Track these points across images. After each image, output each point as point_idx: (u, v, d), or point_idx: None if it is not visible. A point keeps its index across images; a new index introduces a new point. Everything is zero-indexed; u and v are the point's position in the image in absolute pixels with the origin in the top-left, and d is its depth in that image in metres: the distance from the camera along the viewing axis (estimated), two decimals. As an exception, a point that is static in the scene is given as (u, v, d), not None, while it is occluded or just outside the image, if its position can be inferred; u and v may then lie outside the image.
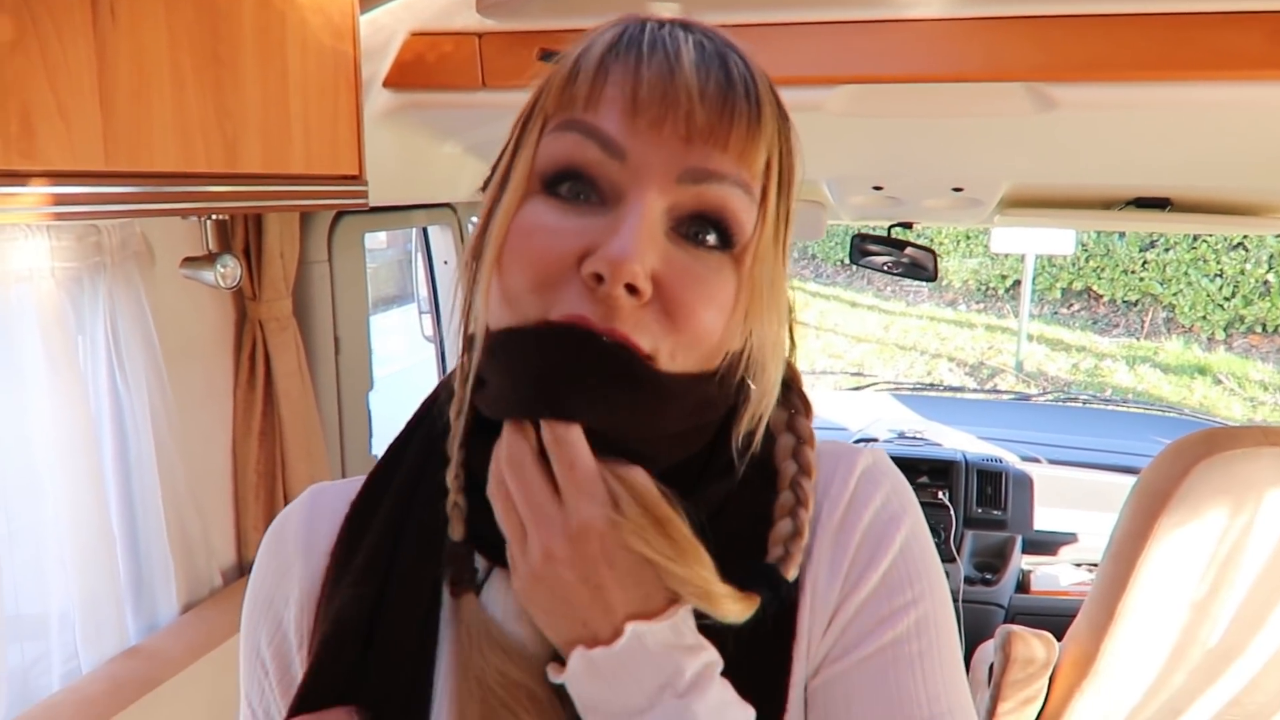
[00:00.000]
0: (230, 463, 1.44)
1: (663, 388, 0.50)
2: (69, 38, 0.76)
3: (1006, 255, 9.20)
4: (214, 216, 1.18)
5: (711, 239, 0.51)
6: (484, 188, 0.58)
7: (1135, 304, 8.87)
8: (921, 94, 1.14)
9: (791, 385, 0.61)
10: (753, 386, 0.55)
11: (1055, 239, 4.64)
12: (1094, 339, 8.76)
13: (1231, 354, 8.12)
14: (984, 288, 9.80)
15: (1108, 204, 1.99)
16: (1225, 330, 8.27)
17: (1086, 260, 9.01)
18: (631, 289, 0.48)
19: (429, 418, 0.61)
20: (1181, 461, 1.18)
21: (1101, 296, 9.06)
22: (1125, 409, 3.70)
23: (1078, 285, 9.18)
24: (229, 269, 1.15)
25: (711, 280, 0.50)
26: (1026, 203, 1.95)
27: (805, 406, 0.61)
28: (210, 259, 1.15)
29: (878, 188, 1.78)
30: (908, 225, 2.29)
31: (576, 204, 0.50)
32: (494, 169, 0.57)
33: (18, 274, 1.03)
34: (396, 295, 7.62)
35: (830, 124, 1.25)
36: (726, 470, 0.56)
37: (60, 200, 0.78)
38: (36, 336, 1.06)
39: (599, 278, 0.47)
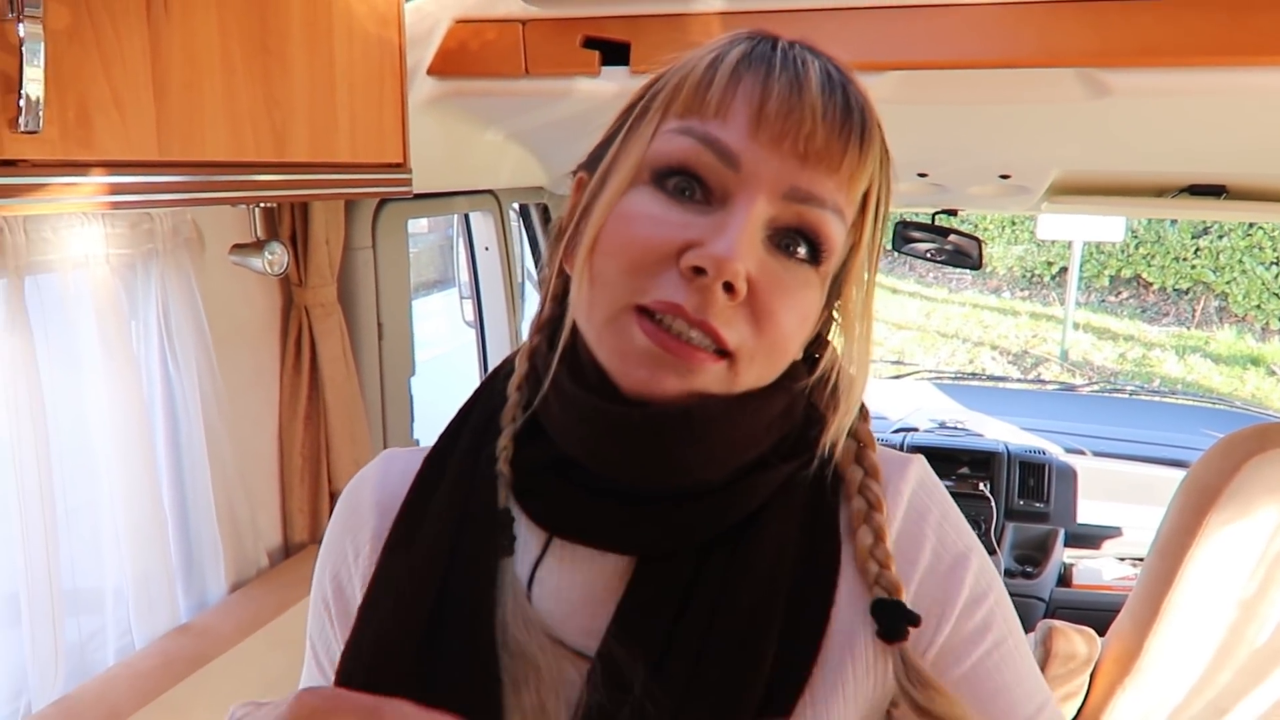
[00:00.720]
0: (276, 446, 1.47)
1: (734, 440, 0.54)
2: (124, 29, 0.78)
3: (1053, 242, 9.03)
4: (262, 204, 1.20)
5: (802, 252, 0.53)
6: (579, 170, 0.59)
7: (1186, 292, 8.67)
8: (970, 80, 1.12)
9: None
10: (840, 401, 0.57)
11: (1104, 225, 4.56)
12: (1143, 328, 8.58)
13: (1286, 344, 7.92)
14: (1029, 274, 9.63)
15: (1160, 191, 1.94)
16: (1280, 320, 8.06)
17: (1136, 247, 8.82)
18: (729, 287, 0.49)
19: (492, 389, 0.63)
20: (1233, 457, 1.16)
21: (1151, 284, 8.87)
22: (1174, 400, 3.62)
23: (1126, 273, 8.99)
24: (276, 256, 1.17)
25: (798, 291, 0.53)
26: (1076, 190, 1.91)
27: (863, 411, 0.61)
28: (258, 246, 1.17)
29: (922, 174, 1.76)
30: (952, 212, 2.26)
31: (681, 199, 0.52)
32: (595, 153, 0.59)
33: (74, 260, 1.05)
34: (437, 280, 7.68)
35: (878, 108, 1.24)
36: (778, 462, 0.57)
37: (116, 189, 0.79)
38: (92, 321, 1.09)
39: (699, 270, 0.49)
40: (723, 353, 0.51)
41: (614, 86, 1.20)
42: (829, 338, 0.61)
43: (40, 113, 0.70)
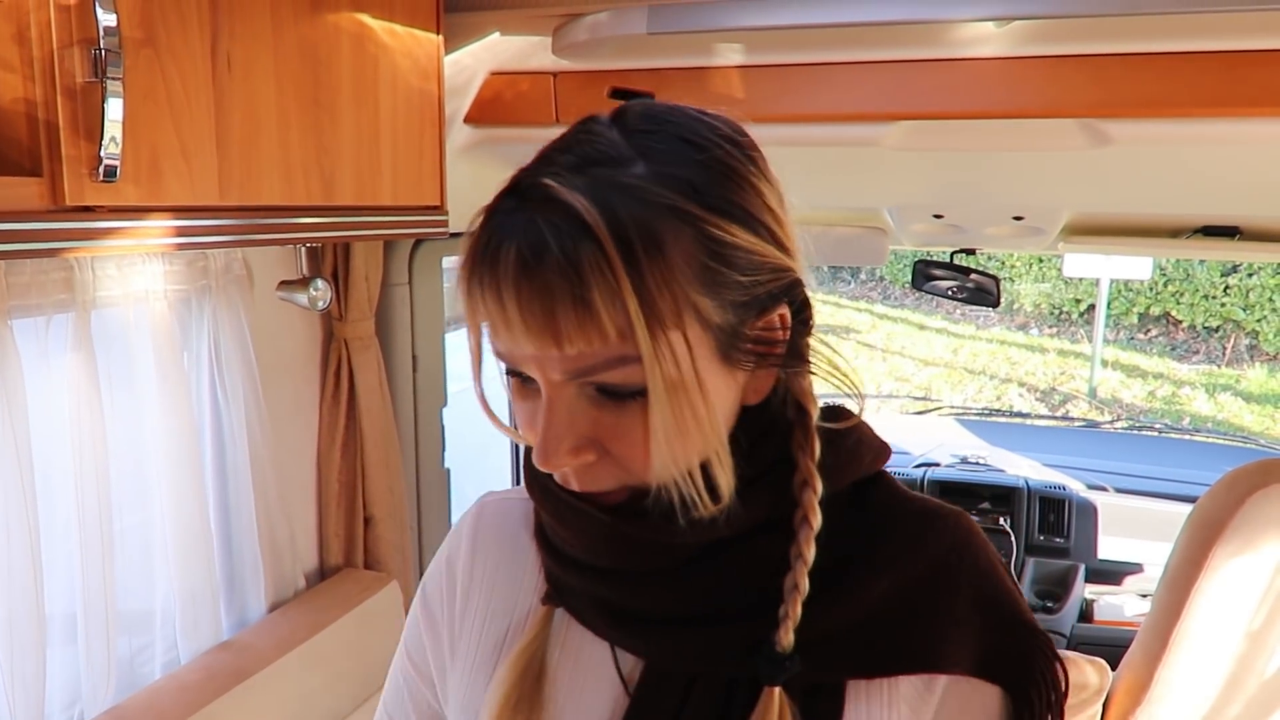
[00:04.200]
0: (315, 473, 1.54)
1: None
2: (192, 87, 0.85)
3: (1080, 279, 9.01)
4: (310, 245, 1.27)
5: (620, 394, 0.54)
6: None
7: (1216, 330, 8.60)
8: (977, 129, 1.18)
9: (805, 422, 0.61)
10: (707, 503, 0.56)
11: (1131, 263, 4.56)
12: (1172, 366, 8.51)
13: (1319, 383, 7.82)
14: (1057, 311, 9.59)
15: (1175, 231, 1.98)
16: (1313, 359, 7.97)
17: (1165, 285, 8.77)
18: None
19: None
20: (1236, 491, 1.19)
21: (1181, 322, 8.80)
22: (1201, 439, 3.61)
23: (1155, 310, 8.93)
24: (320, 292, 1.25)
25: (632, 424, 0.54)
26: (1091, 230, 1.95)
27: (810, 448, 0.60)
28: (304, 283, 1.25)
29: (938, 216, 1.81)
30: (971, 251, 2.30)
31: (527, 384, 0.56)
32: None
33: (135, 295, 1.13)
34: (467, 313, 7.79)
35: (890, 154, 1.30)
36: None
37: (181, 233, 0.87)
38: (149, 352, 1.16)
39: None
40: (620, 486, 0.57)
41: (639, 134, 1.27)
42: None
43: (118, 164, 0.78)
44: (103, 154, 0.77)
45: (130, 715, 1.13)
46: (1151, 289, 8.85)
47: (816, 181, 1.69)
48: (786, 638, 0.56)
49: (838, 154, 1.40)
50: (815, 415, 0.61)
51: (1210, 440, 3.57)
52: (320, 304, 1.25)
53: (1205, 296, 8.52)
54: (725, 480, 0.56)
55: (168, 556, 1.22)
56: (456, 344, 1.93)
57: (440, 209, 1.19)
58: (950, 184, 1.55)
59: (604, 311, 0.50)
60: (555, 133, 1.38)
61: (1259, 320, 8.23)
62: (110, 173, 0.77)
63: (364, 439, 1.54)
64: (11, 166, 0.75)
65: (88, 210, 0.78)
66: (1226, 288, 8.34)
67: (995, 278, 2.30)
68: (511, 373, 0.57)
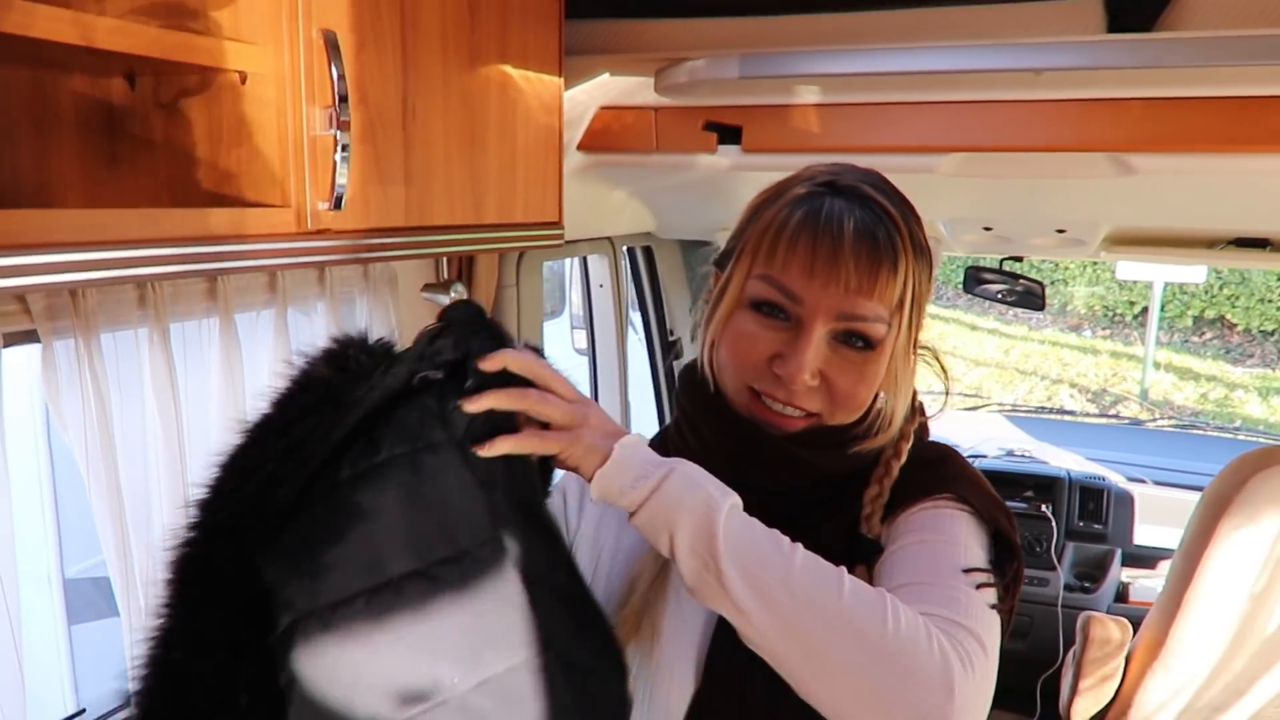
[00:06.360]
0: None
1: (814, 465, 0.87)
2: (390, 132, 1.08)
3: (1135, 281, 9.02)
4: (463, 255, 1.51)
5: (860, 344, 0.84)
6: (714, 264, 0.90)
7: (1272, 334, 8.57)
8: (1019, 160, 1.38)
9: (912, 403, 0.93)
10: (883, 429, 0.89)
11: (1184, 267, 4.64)
12: (1226, 369, 8.50)
13: (1378, 388, 7.76)
14: (1110, 313, 9.61)
15: (1210, 242, 2.14)
16: (1372, 364, 7.91)
17: (1220, 288, 8.76)
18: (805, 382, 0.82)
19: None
20: (1241, 473, 1.38)
21: (1236, 325, 8.78)
22: (1244, 437, 3.72)
23: (1210, 313, 8.92)
24: (460, 294, 1.48)
25: (858, 370, 0.84)
26: (1129, 241, 2.12)
27: (914, 414, 0.93)
28: (445, 285, 1.49)
29: (988, 228, 2.00)
30: (1019, 258, 2.48)
31: (771, 318, 0.84)
32: (721, 258, 0.91)
33: (315, 295, 1.38)
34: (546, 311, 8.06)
35: (944, 177, 1.50)
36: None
37: (381, 248, 1.11)
38: (324, 341, 1.41)
39: (781, 376, 0.82)
40: (809, 413, 0.84)
41: (727, 161, 1.49)
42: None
43: (343, 195, 1.01)
44: (336, 190, 1.00)
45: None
46: (1207, 292, 8.84)
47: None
48: (877, 528, 0.86)
49: (898, 175, 1.61)
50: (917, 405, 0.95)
51: (1256, 440, 3.68)
52: (458, 303, 1.48)
53: (1261, 300, 8.50)
54: (898, 418, 0.89)
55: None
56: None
57: (558, 224, 1.42)
58: (998, 201, 1.75)
59: (898, 282, 0.82)
60: (654, 158, 1.62)
61: (1317, 324, 8.19)
62: (338, 203, 1.01)
63: (479, 419, 1.77)
64: (270, 200, 0.99)
65: (321, 232, 1.02)
66: (1283, 291, 8.32)
67: (1040, 283, 2.47)
68: (761, 305, 0.83)
